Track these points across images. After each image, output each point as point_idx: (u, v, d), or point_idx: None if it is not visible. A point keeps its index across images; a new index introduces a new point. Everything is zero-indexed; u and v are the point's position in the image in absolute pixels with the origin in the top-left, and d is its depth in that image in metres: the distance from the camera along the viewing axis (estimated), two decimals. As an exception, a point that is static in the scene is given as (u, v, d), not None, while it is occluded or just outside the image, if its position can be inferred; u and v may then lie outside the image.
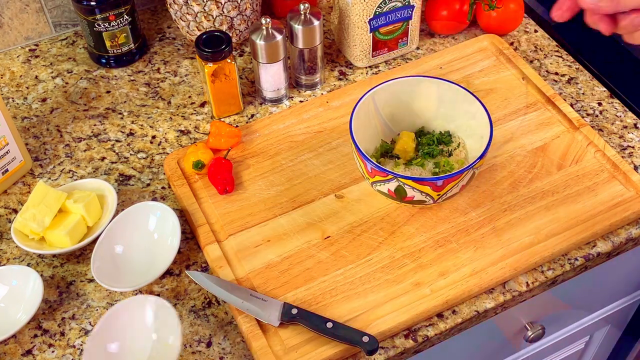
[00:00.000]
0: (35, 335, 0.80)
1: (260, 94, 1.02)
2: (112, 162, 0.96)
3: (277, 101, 1.02)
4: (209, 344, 0.79)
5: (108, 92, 1.06)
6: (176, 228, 0.84)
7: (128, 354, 0.76)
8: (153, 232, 0.86)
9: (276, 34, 0.94)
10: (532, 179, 0.90)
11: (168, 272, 0.84)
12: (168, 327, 0.76)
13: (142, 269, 0.83)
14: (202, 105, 1.03)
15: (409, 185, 0.79)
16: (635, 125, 0.99)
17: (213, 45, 0.93)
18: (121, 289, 0.79)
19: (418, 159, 0.89)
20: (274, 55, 0.96)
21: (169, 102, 1.04)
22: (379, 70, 1.07)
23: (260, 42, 0.94)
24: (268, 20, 0.93)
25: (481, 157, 0.80)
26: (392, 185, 0.80)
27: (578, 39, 1.12)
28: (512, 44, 1.11)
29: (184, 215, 0.89)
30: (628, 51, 1.07)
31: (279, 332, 0.77)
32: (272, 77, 0.99)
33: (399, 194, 0.81)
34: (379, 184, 0.82)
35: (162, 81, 1.07)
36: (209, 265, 0.84)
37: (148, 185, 0.94)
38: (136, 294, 0.82)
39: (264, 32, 0.94)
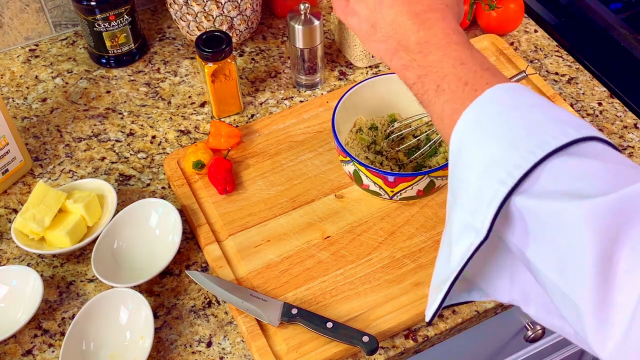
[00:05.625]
0: (35, 335, 0.80)
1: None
2: (112, 162, 0.96)
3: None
4: (209, 344, 0.79)
5: (108, 92, 1.06)
6: (178, 225, 0.84)
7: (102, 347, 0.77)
8: (154, 229, 0.86)
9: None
10: (532, 179, 0.90)
11: (168, 272, 0.84)
12: (142, 320, 0.78)
13: (143, 266, 0.83)
14: (202, 105, 1.03)
15: (362, 172, 0.81)
16: (635, 125, 0.99)
17: (213, 45, 0.93)
18: (121, 285, 0.79)
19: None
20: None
21: (169, 102, 1.04)
22: (379, 71, 1.07)
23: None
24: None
25: (441, 168, 0.79)
26: (351, 168, 0.82)
27: (578, 39, 1.12)
28: (512, 44, 1.11)
29: (184, 215, 0.89)
30: (628, 51, 1.07)
31: (279, 332, 0.77)
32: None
33: (357, 179, 0.83)
34: (343, 164, 0.85)
35: (162, 81, 1.07)
36: (209, 265, 0.84)
37: (148, 185, 0.94)
38: (136, 290, 0.82)
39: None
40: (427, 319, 0.57)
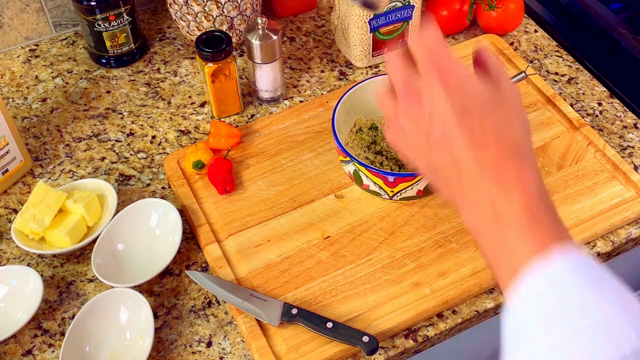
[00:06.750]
0: (35, 335, 0.80)
1: (257, 95, 1.02)
2: (112, 162, 0.96)
3: (273, 101, 1.02)
4: (209, 344, 0.79)
5: (108, 92, 1.06)
6: (178, 225, 0.84)
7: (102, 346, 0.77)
8: (154, 229, 0.86)
9: (272, 34, 0.94)
10: (532, 179, 0.90)
11: (168, 272, 0.84)
12: (142, 320, 0.78)
13: (143, 266, 0.83)
14: (202, 105, 1.03)
15: (362, 172, 0.81)
16: (635, 125, 0.99)
17: (213, 45, 0.93)
18: (121, 285, 0.79)
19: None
20: (269, 56, 0.96)
21: (169, 102, 1.04)
22: (379, 71, 1.08)
23: (255, 42, 0.94)
24: (264, 19, 0.93)
25: None
26: (351, 168, 0.83)
27: (578, 39, 1.12)
28: (512, 44, 1.11)
29: (184, 215, 0.89)
30: (628, 51, 1.07)
31: (279, 332, 0.77)
32: (267, 78, 0.99)
33: (357, 179, 0.83)
34: (343, 164, 0.85)
35: (162, 81, 1.07)
36: (209, 265, 0.84)
37: (148, 185, 0.94)
38: (136, 290, 0.82)
39: (260, 32, 0.94)
40: None
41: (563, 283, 0.46)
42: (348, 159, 0.82)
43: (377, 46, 1.05)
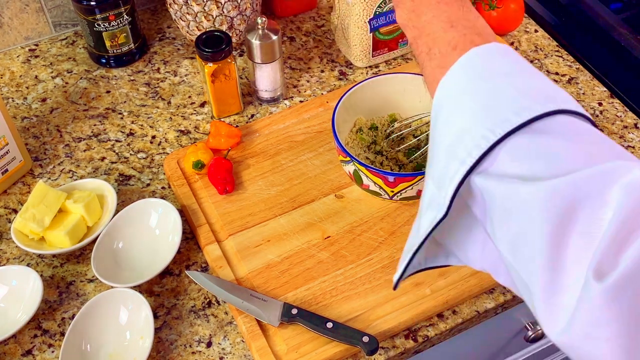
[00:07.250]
0: (35, 335, 0.80)
1: (257, 95, 1.02)
2: (112, 162, 0.96)
3: (273, 101, 1.02)
4: (209, 344, 0.79)
5: (108, 92, 1.06)
6: (178, 225, 0.84)
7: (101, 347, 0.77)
8: (154, 229, 0.86)
9: (272, 34, 0.94)
10: (532, 179, 0.90)
11: (168, 272, 0.84)
12: (142, 320, 0.78)
13: (143, 266, 0.83)
14: (202, 105, 1.03)
15: (362, 172, 0.81)
16: (635, 125, 0.99)
17: (213, 45, 0.93)
18: (121, 285, 0.79)
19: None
20: (269, 56, 0.96)
21: (169, 102, 1.04)
22: (379, 70, 1.07)
23: (255, 42, 0.94)
24: (264, 19, 0.93)
25: None
26: (351, 168, 0.83)
27: (578, 39, 1.12)
28: (512, 44, 1.11)
29: (184, 215, 0.89)
30: (628, 51, 1.07)
31: (279, 332, 0.77)
32: (267, 78, 0.99)
33: (357, 179, 0.83)
34: (343, 164, 0.85)
35: (162, 81, 1.07)
36: (209, 265, 0.84)
37: (148, 185, 0.94)
38: (136, 290, 0.82)
39: (260, 32, 0.94)
40: (393, 284, 0.57)
41: (489, 65, 0.50)
42: (348, 159, 0.82)
43: (377, 46, 1.05)
